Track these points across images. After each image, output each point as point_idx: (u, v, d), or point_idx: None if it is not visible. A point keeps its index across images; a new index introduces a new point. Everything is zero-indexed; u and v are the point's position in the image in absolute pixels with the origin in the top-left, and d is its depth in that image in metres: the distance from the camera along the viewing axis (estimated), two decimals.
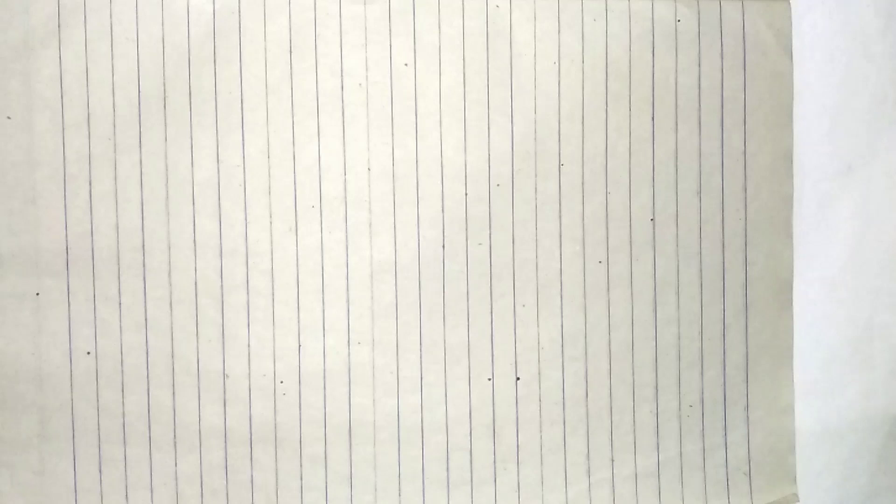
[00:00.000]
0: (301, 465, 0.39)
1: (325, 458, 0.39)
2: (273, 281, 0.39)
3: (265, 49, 0.38)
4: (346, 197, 0.39)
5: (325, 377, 0.39)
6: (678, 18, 0.40)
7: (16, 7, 0.36)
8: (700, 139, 0.41)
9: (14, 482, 0.38)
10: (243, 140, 0.38)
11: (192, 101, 0.37)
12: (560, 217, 0.40)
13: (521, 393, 0.40)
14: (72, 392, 0.38)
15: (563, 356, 0.41)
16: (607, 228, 0.41)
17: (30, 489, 0.38)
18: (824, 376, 0.43)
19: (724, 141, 0.41)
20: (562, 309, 0.40)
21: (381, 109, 0.39)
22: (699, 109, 0.41)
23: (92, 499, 0.38)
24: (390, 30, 0.39)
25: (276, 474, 0.39)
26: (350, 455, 0.40)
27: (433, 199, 0.39)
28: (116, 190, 0.37)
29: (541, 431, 0.41)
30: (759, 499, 0.42)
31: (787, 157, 0.41)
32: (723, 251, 0.41)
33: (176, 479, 0.39)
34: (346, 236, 0.39)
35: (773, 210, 0.41)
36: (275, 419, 0.39)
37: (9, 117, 0.37)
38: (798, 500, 0.43)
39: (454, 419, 0.40)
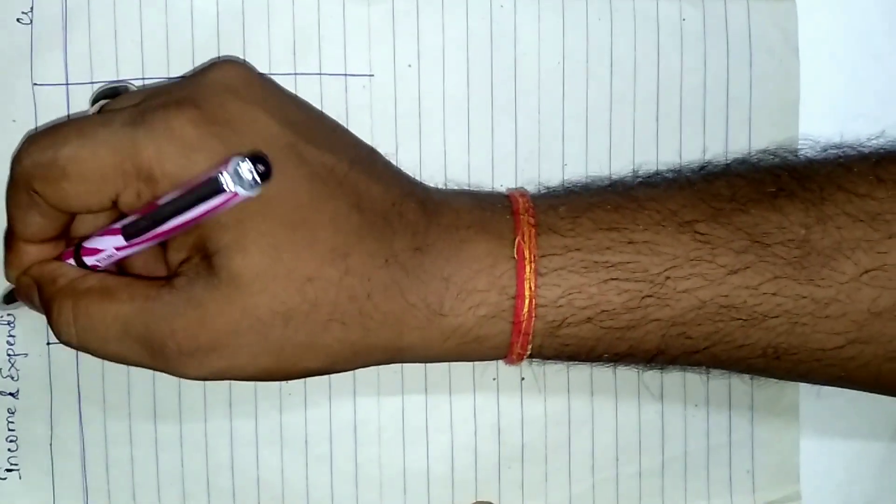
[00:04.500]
0: (307, 465, 0.40)
1: (331, 457, 0.40)
2: None
3: (269, 51, 0.38)
4: None
5: (330, 376, 0.40)
6: (683, 17, 0.40)
7: (20, 9, 0.36)
8: (705, 139, 0.41)
9: (24, 482, 0.38)
10: None
11: None
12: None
13: (526, 392, 0.40)
14: (79, 393, 0.38)
15: None
16: None
17: (40, 488, 0.38)
18: None
19: (730, 140, 0.41)
20: None
21: (385, 111, 0.39)
22: (704, 109, 0.41)
23: (100, 498, 0.38)
24: (394, 31, 0.39)
25: (282, 473, 0.40)
26: (355, 454, 0.40)
27: None
28: None
29: (545, 431, 0.41)
30: (761, 497, 0.43)
31: None
32: None
33: (183, 478, 0.39)
34: None
35: None
36: (280, 419, 0.39)
37: (14, 120, 0.37)
38: (800, 499, 0.43)
39: (459, 419, 0.40)
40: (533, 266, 0.31)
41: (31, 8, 0.36)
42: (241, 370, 0.30)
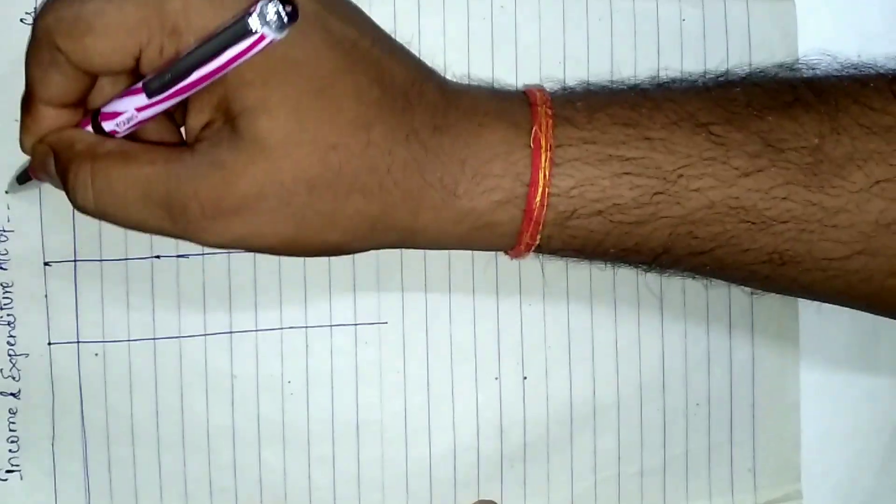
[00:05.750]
0: (309, 465, 0.40)
1: (333, 457, 0.40)
2: (280, 280, 0.39)
3: None
4: None
5: (332, 377, 0.40)
6: (683, 18, 0.40)
7: (23, 10, 0.36)
8: None
9: (26, 483, 0.38)
10: None
11: None
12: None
13: (529, 392, 0.41)
14: (80, 393, 0.38)
15: (570, 355, 0.41)
16: None
17: (42, 489, 0.38)
18: (829, 376, 0.43)
19: None
20: (568, 307, 0.41)
21: None
22: None
23: (102, 498, 0.38)
24: (395, 31, 0.39)
25: (285, 473, 0.39)
26: (358, 454, 0.40)
27: None
28: None
29: (548, 430, 0.41)
30: (762, 495, 0.43)
31: None
32: None
33: (185, 479, 0.39)
34: None
35: None
36: (282, 419, 0.39)
37: (16, 120, 0.36)
38: (801, 498, 0.43)
39: (461, 418, 0.40)
40: (548, 155, 0.31)
41: (35, 9, 0.36)
42: (262, 238, 0.30)
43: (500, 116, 0.32)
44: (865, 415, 0.44)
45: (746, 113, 0.32)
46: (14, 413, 0.38)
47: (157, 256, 0.38)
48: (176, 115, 0.32)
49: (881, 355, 0.44)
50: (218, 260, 0.38)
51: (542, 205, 0.31)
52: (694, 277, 0.34)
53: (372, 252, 0.39)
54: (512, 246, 0.32)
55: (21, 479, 0.38)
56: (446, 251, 0.40)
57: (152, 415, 0.38)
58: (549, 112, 0.32)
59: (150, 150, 0.30)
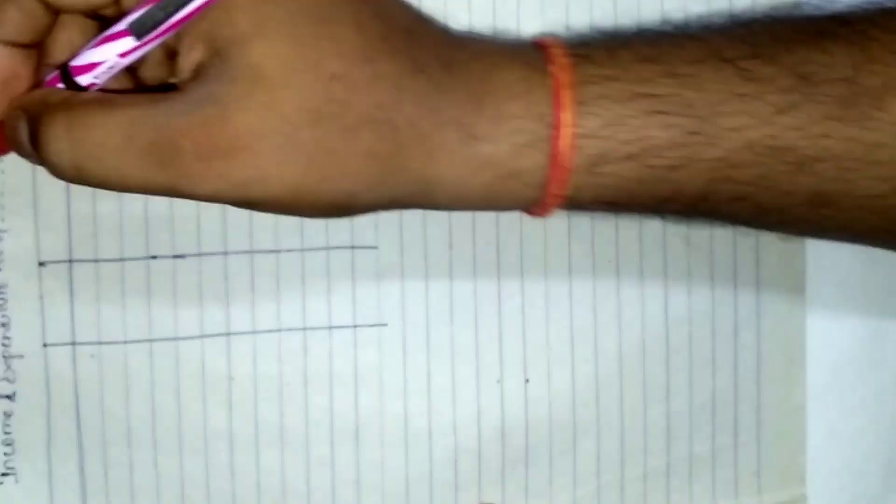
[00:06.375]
0: (308, 468, 0.39)
1: (332, 460, 0.39)
2: (278, 280, 0.39)
3: None
4: None
5: (331, 380, 0.39)
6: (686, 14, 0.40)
7: None
8: None
9: (21, 486, 0.38)
10: None
11: None
12: (569, 215, 0.40)
13: (531, 394, 0.40)
14: (76, 395, 0.38)
15: (572, 357, 0.41)
16: (616, 227, 0.40)
17: (37, 492, 0.38)
18: (835, 378, 0.43)
19: None
20: (571, 309, 0.40)
21: None
22: None
23: (99, 501, 0.38)
24: None
25: (283, 477, 0.39)
26: (357, 458, 0.40)
27: None
28: None
29: (550, 433, 0.41)
30: (767, 498, 0.43)
31: None
32: (734, 250, 0.41)
33: (182, 482, 0.39)
34: (352, 236, 0.39)
35: None
36: (281, 422, 0.39)
37: None
38: (806, 501, 0.43)
39: (462, 421, 0.40)
40: (571, 93, 0.28)
41: None
42: (266, 184, 0.27)
43: (513, 57, 0.29)
44: (871, 417, 0.44)
45: (773, 46, 0.30)
46: (9, 415, 0.37)
47: (154, 257, 0.38)
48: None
49: (887, 357, 0.43)
50: (215, 260, 0.38)
51: (569, 146, 0.28)
52: (727, 226, 0.32)
53: (372, 252, 0.39)
54: (538, 199, 0.30)
55: (16, 482, 0.38)
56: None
57: (149, 417, 0.38)
58: (564, 52, 0.29)
59: (134, 95, 0.27)
